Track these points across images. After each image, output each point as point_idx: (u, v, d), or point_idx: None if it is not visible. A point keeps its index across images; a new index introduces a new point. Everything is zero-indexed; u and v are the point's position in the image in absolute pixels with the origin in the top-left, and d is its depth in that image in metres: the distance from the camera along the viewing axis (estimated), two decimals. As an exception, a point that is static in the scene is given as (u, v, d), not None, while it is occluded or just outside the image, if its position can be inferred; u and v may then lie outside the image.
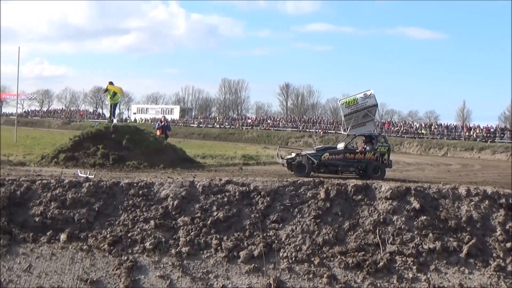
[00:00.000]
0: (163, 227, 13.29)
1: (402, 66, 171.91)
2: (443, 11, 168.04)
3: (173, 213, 13.68)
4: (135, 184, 14.45)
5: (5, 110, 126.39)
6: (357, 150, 25.55)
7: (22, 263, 12.45)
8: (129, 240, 12.95)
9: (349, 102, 25.76)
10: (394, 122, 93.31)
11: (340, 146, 26.48)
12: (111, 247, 12.75)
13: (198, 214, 13.60)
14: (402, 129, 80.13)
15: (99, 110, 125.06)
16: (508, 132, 68.67)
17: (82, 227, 13.30)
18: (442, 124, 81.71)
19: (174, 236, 13.11)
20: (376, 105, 26.27)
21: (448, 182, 18.34)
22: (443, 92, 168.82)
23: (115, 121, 33.43)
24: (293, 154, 25.67)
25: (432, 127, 79.82)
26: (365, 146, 25.81)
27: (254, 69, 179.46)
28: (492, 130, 71.09)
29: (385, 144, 25.94)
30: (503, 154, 61.01)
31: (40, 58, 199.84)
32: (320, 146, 30.13)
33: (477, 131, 72.30)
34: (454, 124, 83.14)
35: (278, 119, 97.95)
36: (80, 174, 17.04)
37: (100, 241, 12.90)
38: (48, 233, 13.07)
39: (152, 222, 13.38)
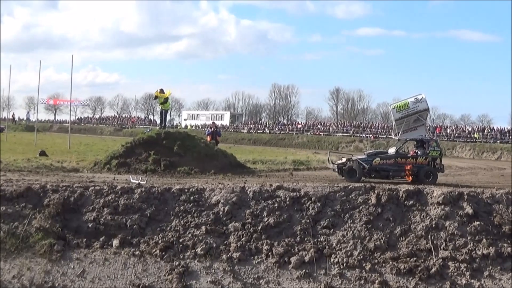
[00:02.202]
0: (214, 233, 13.37)
1: (454, 70, 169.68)
2: (495, 13, 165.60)
3: (224, 218, 13.76)
4: (186, 190, 14.57)
5: (59, 117, 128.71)
6: (408, 155, 25.35)
7: (76, 268, 12.65)
8: (181, 245, 13.06)
9: (400, 106, 25.54)
10: (446, 126, 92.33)
11: (391, 150, 26.28)
12: (163, 253, 12.88)
13: (249, 220, 13.65)
14: (454, 133, 79.23)
15: (151, 117, 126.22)
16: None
17: (134, 232, 13.46)
18: (495, 128, 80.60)
19: (225, 242, 13.18)
20: (427, 109, 25.99)
21: (502, 187, 18.07)
22: (496, 95, 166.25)
23: (166, 127, 33.73)
24: (344, 159, 25.55)
25: (485, 131, 78.74)
26: (416, 151, 25.59)
27: (305, 74, 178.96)
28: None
29: (437, 148, 25.64)
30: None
31: (93, 66, 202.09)
32: (371, 151, 29.86)
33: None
34: (508, 128, 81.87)
35: (328, 124, 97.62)
36: (132, 180, 17.22)
37: (152, 246, 13.04)
38: (101, 239, 13.27)
39: (203, 227, 13.47)
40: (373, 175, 24.48)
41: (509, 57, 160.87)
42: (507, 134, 73.29)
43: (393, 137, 28.39)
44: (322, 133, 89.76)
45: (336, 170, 25.05)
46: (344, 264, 12.49)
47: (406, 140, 26.27)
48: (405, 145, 26.50)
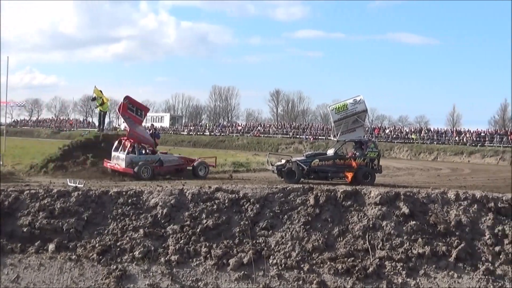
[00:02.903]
0: (152, 236, 13.28)
1: (392, 72, 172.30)
2: (433, 17, 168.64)
3: (163, 221, 13.69)
4: (124, 193, 14.44)
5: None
6: (347, 156, 25.58)
7: (10, 274, 12.42)
8: (118, 249, 12.94)
9: (339, 108, 25.76)
10: (384, 127, 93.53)
11: (330, 152, 26.49)
12: (100, 257, 12.74)
13: (188, 222, 13.60)
14: (392, 134, 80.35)
15: (89, 119, 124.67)
16: (498, 136, 68.96)
17: (71, 236, 13.28)
18: (432, 129, 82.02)
19: (164, 245, 13.10)
20: (366, 111, 26.29)
21: (437, 187, 18.39)
22: (433, 97, 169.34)
23: (105, 129, 33.40)
24: (283, 161, 25.66)
25: (422, 132, 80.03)
26: (355, 152, 25.84)
27: (245, 76, 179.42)
28: (482, 134, 71.33)
29: (375, 149, 25.95)
30: (492, 158, 61.21)
31: (30, 67, 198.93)
32: (310, 153, 30.06)
33: (467, 136, 72.54)
34: (444, 129, 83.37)
35: (268, 126, 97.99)
36: (69, 184, 16.99)
37: (89, 250, 12.88)
38: (36, 243, 13.05)
39: (141, 230, 13.37)
40: (312, 176, 24.64)
41: (445, 59, 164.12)
42: (443, 135, 74.71)
43: (332, 138, 28.65)
44: (262, 135, 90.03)
45: (276, 171, 25.14)
46: (283, 265, 12.54)
47: (344, 141, 26.51)
48: (343, 146, 26.73)
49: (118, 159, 25.19)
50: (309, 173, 24.70)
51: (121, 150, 25.40)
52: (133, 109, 25.92)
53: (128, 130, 26.16)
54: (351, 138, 26.17)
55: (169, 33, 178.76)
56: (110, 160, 25.01)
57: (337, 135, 26.20)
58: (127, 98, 26.43)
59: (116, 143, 25.59)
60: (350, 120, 25.84)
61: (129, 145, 25.30)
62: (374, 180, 24.62)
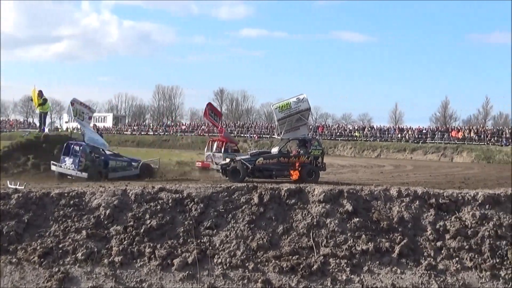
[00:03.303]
0: (95, 237, 13.11)
1: (335, 70, 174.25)
2: (374, 15, 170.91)
3: (105, 222, 13.52)
4: (66, 194, 14.23)
5: None
6: (291, 154, 25.73)
7: None
8: (60, 251, 12.73)
9: (282, 106, 25.92)
10: (328, 125, 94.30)
11: (274, 150, 26.60)
12: (42, 259, 12.51)
13: (131, 223, 13.47)
14: (336, 132, 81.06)
15: (30, 120, 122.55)
16: (439, 133, 70.17)
17: (11, 239, 13.00)
18: (375, 127, 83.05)
19: (107, 246, 12.94)
20: (309, 109, 26.51)
21: (380, 184, 18.64)
22: (376, 95, 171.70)
23: (46, 130, 32.93)
24: (228, 160, 25.71)
25: (366, 129, 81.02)
26: (299, 150, 26.01)
27: (189, 75, 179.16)
28: (423, 131, 72.53)
29: (319, 147, 26.20)
30: (434, 155, 62.45)
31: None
32: (254, 151, 30.19)
33: (409, 133, 73.64)
34: (387, 126, 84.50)
35: (212, 125, 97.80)
36: (9, 185, 16.68)
37: (30, 253, 12.64)
38: (-25, 248, 12.78)
39: (84, 232, 13.19)
40: (256, 175, 24.72)
41: (386, 57, 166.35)
42: (386, 133, 75.69)
43: (276, 136, 28.84)
44: (207, 134, 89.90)
45: (220, 170, 25.15)
46: (227, 264, 12.51)
47: (288, 140, 26.67)
48: (287, 145, 26.87)
49: (215, 158, 29.95)
50: (254, 172, 24.77)
51: (216, 150, 30.72)
52: (212, 114, 30.01)
53: (223, 132, 31.83)
54: (295, 136, 26.35)
55: (111, 32, 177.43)
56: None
57: (281, 133, 26.37)
58: (209, 104, 32.55)
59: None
60: (294, 119, 26.03)
61: (222, 145, 30.24)
62: (318, 177, 24.84)
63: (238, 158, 25.72)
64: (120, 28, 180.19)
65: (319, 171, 25.36)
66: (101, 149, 25.97)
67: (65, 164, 24.26)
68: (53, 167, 24.39)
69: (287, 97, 27.38)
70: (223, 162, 25.89)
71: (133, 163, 26.42)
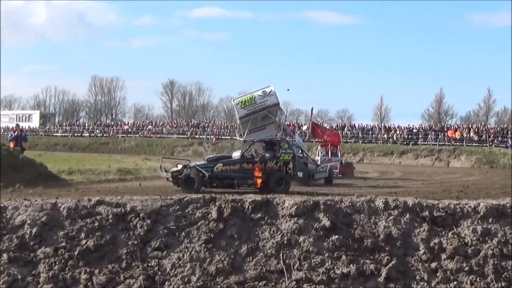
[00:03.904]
0: (19, 261, 12.98)
1: (309, 58, 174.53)
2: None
3: (32, 243, 13.39)
4: (-18, 210, 14.10)
5: None
6: (256, 159, 25.76)
7: None
8: (-23, 279, 12.64)
9: (245, 101, 26.00)
10: (300, 124, 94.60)
11: (236, 154, 26.62)
12: (-48, 289, 12.42)
13: (63, 244, 13.36)
14: (310, 131, 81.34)
15: None
16: (433, 133, 70.78)
17: None
18: (357, 125, 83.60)
19: (34, 272, 12.82)
20: (277, 104, 26.67)
21: (363, 194, 18.70)
22: (358, 87, 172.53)
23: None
24: (180, 166, 25.67)
25: (345, 129, 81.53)
26: (265, 154, 26.06)
27: (132, 64, 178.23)
28: (414, 130, 73.17)
29: (290, 151, 26.35)
30: (427, 159, 63.17)
31: None
32: (211, 156, 30.27)
33: (397, 133, 74.34)
34: (371, 125, 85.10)
35: (161, 124, 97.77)
36: None
37: None
38: None
39: (4, 255, 13.05)
40: (215, 184, 24.72)
41: (370, 42, 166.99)
42: (370, 132, 76.21)
43: (238, 138, 28.85)
44: (154, 135, 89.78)
45: (171, 179, 25.10)
46: (181, 292, 12.51)
47: (253, 142, 26.69)
48: (252, 148, 26.90)
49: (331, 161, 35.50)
50: (212, 180, 24.78)
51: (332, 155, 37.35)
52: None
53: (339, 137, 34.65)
54: (260, 137, 26.38)
55: (37, 12, 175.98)
56: None
57: (244, 134, 26.37)
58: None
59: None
60: (259, 116, 26.14)
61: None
62: (289, 187, 24.94)
63: (192, 164, 25.64)
64: (48, 7, 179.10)
65: (290, 180, 25.44)
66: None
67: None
68: None
69: (251, 90, 27.40)
70: (174, 169, 25.80)
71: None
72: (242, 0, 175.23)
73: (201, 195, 15.05)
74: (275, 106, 26.30)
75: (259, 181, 24.56)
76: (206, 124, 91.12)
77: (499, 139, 68.95)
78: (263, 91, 25.90)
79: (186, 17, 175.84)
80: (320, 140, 47.88)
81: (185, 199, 14.64)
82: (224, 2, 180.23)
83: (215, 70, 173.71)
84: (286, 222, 13.96)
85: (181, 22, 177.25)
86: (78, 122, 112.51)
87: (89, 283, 12.66)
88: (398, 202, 14.56)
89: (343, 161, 44.53)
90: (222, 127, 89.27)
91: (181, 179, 24.31)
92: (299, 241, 13.57)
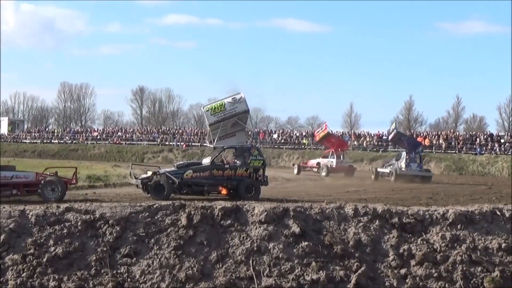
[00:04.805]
0: (-14, 269, 12.93)
1: (279, 65, 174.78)
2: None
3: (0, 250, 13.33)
4: None
5: None
6: (226, 166, 25.75)
7: None
8: None
9: (215, 108, 25.93)
10: (270, 130, 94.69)
11: (206, 161, 26.58)
12: None
13: (31, 251, 13.29)
14: (280, 139, 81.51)
15: None
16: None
17: None
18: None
19: (1, 279, 12.76)
20: (247, 111, 26.60)
21: (333, 200, 18.75)
22: (328, 94, 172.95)
23: None
24: (149, 173, 25.58)
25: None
26: (235, 161, 26.07)
27: (101, 71, 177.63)
28: (384, 137, 73.34)
29: (260, 157, 26.31)
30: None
31: None
32: (181, 162, 30.17)
33: (367, 139, 74.55)
34: (341, 132, 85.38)
35: (131, 131, 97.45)
36: None
37: None
38: None
39: (-28, 263, 12.99)
40: (184, 191, 24.65)
41: (339, 50, 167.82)
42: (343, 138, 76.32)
43: (208, 145, 28.81)
44: (124, 142, 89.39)
45: (140, 186, 24.98)
46: (150, 300, 12.48)
47: (223, 149, 26.67)
48: (222, 155, 26.86)
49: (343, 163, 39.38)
50: (181, 187, 24.70)
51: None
52: None
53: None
54: (230, 144, 26.38)
55: (6, 18, 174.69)
56: None
57: (213, 140, 26.34)
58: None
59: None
60: (229, 123, 26.07)
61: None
62: (259, 194, 24.90)
63: (162, 171, 25.59)
64: (17, 13, 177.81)
65: (260, 186, 25.44)
66: None
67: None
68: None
69: (221, 97, 27.42)
70: (144, 175, 25.72)
71: None
72: (210, 6, 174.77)
73: (171, 202, 15.04)
74: (245, 113, 26.23)
75: (224, 189, 24.61)
76: (176, 131, 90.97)
77: (468, 146, 69.53)
78: (233, 98, 25.86)
79: (155, 25, 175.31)
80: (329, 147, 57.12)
81: (154, 206, 14.62)
82: (193, 9, 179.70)
83: (185, 77, 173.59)
84: (256, 228, 13.98)
85: (150, 29, 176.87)
86: (47, 129, 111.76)
87: (57, 290, 12.63)
88: (367, 209, 14.63)
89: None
90: (192, 133, 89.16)
91: (151, 186, 24.20)
92: (269, 247, 13.59)
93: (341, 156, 54.43)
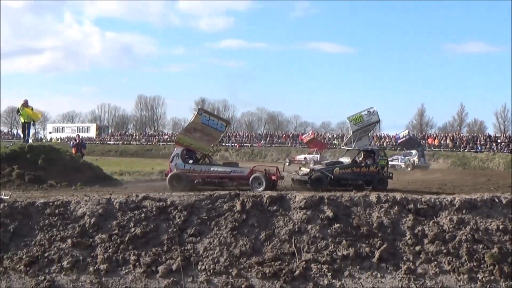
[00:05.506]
0: (80, 245, 13.04)
1: (314, 79, 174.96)
2: (350, 26, 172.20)
3: (90, 231, 13.44)
4: (51, 204, 14.13)
5: None
6: (362, 164, 26.29)
7: None
8: (46, 260, 12.66)
9: (356, 119, 26.62)
10: (307, 134, 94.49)
11: (345, 160, 27.36)
12: (28, 268, 12.44)
13: (116, 231, 13.40)
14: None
15: (14, 131, 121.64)
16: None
17: (-3, 249, 12.93)
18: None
19: (92, 254, 12.88)
20: (378, 121, 27.34)
21: (359, 190, 18.65)
22: (354, 103, 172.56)
23: (30, 141, 32.77)
24: (307, 170, 26.09)
25: (344, 137, 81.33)
26: (366, 160, 26.58)
27: (170, 86, 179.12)
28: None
29: (385, 157, 26.96)
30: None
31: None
32: (328, 161, 31.03)
33: (387, 140, 74.07)
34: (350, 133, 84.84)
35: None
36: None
37: (16, 262, 12.56)
38: (-39, 257, 12.66)
39: (69, 240, 13.11)
40: (333, 184, 25.16)
41: (362, 66, 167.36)
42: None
43: (343, 147, 29.60)
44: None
45: (307, 180, 25.22)
46: (211, 271, 12.49)
47: (360, 150, 27.33)
48: (356, 155, 27.76)
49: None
50: (332, 181, 25.16)
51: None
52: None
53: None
54: (362, 146, 27.01)
55: (94, 44, 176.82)
56: None
57: (353, 144, 26.94)
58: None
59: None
60: (363, 130, 26.73)
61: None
62: (387, 186, 25.41)
63: (317, 167, 26.23)
64: (102, 40, 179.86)
65: (387, 180, 25.99)
66: None
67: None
68: None
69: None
70: (304, 172, 26.15)
71: None
72: (258, 32, 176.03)
73: (227, 192, 15.03)
74: (376, 123, 27.07)
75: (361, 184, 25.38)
76: (231, 134, 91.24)
77: (470, 145, 68.94)
78: (368, 111, 26.57)
79: (212, 48, 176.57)
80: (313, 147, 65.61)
81: (214, 195, 14.65)
82: (244, 34, 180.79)
83: (237, 90, 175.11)
84: (297, 213, 13.95)
85: (208, 52, 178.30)
86: (127, 133, 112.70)
87: (137, 263, 12.69)
88: (388, 197, 14.52)
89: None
90: (244, 136, 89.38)
91: (312, 179, 24.67)
92: (308, 228, 13.55)
93: (321, 153, 62.64)
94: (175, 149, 25.24)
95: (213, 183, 23.84)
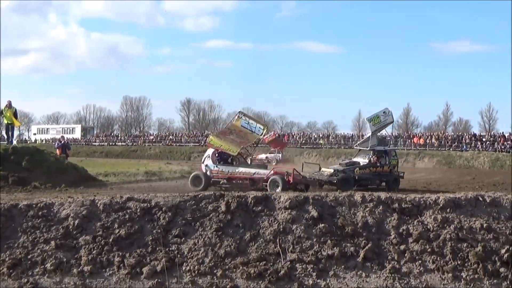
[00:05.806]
0: (64, 247, 12.96)
1: (299, 79, 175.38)
2: (335, 26, 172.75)
3: (74, 232, 13.38)
4: (34, 206, 14.05)
5: None
6: (378, 164, 26.39)
7: None
8: (29, 262, 12.57)
9: (373, 119, 26.79)
10: (293, 133, 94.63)
11: (362, 160, 27.37)
12: (11, 270, 12.35)
13: (100, 232, 13.35)
14: (301, 140, 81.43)
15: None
16: (401, 140, 70.89)
17: (-21, 251, 12.84)
18: (339, 134, 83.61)
19: (76, 256, 12.80)
20: (392, 122, 27.51)
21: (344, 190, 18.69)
22: (340, 103, 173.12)
23: (14, 142, 32.62)
24: (327, 170, 26.17)
25: (330, 137, 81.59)
26: (379, 160, 26.66)
27: (156, 86, 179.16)
28: (386, 138, 73.20)
29: (396, 157, 27.15)
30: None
31: None
32: (345, 161, 30.99)
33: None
34: (351, 134, 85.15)
35: (180, 135, 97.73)
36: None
37: (-2, 265, 12.50)
38: None
39: (52, 242, 13.03)
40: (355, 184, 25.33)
41: (348, 66, 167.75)
42: (350, 140, 76.25)
43: (356, 147, 29.86)
44: (174, 144, 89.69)
45: (334, 180, 25.30)
46: (196, 272, 12.46)
47: (374, 151, 27.42)
48: (367, 155, 27.84)
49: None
50: (356, 181, 25.28)
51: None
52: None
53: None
54: (378, 147, 27.15)
55: (79, 45, 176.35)
56: None
57: (370, 144, 27.02)
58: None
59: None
60: (379, 130, 26.98)
61: None
62: (399, 185, 25.55)
63: (340, 168, 26.29)
64: (88, 41, 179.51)
65: (400, 179, 26.20)
66: None
67: None
68: None
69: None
70: (328, 173, 26.23)
71: None
72: (244, 33, 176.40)
73: (212, 192, 15.02)
74: (391, 123, 27.39)
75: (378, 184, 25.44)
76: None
77: (456, 144, 69.29)
78: (384, 112, 26.86)
79: (199, 48, 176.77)
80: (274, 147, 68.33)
81: (199, 196, 14.62)
82: (229, 35, 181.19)
83: (222, 90, 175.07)
84: (282, 213, 13.94)
85: (195, 52, 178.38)
86: (112, 134, 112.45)
87: (121, 264, 12.63)
88: (373, 196, 14.54)
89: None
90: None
91: (339, 180, 24.77)
92: (292, 228, 13.55)
93: (282, 152, 67.25)
94: (207, 150, 25.45)
95: (237, 185, 23.99)
